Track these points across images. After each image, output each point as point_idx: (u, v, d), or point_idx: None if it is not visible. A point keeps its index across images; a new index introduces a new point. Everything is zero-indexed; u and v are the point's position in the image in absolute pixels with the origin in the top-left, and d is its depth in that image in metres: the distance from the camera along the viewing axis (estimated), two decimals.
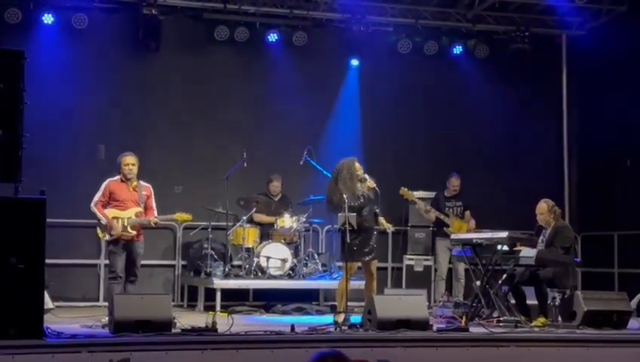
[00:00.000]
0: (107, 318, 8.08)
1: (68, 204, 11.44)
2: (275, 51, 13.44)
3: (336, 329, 8.50)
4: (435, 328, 8.43)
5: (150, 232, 10.25)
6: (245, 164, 11.90)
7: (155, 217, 9.58)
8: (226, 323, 7.93)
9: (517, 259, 9.64)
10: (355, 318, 8.92)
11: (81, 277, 12.53)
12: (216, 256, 11.90)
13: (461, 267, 12.13)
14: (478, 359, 7.81)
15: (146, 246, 9.83)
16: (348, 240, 9.20)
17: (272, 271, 11.54)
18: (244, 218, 11.84)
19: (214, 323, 7.79)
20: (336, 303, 10.23)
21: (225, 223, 11.82)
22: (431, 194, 12.79)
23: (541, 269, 9.70)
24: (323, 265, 12.20)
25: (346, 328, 8.51)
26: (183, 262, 12.90)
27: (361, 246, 9.49)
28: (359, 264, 9.61)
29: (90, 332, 8.03)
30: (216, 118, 13.27)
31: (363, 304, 9.47)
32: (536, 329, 9.03)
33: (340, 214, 9.38)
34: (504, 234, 9.76)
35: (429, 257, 12.88)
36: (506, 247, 9.74)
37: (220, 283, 11.34)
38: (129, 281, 9.42)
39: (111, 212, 9.44)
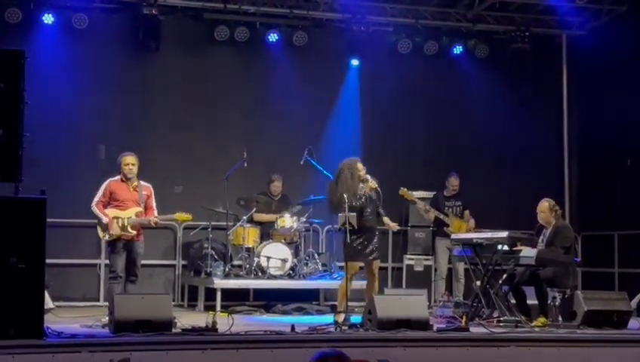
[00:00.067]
0: (107, 318, 8.08)
1: (68, 203, 11.45)
2: (276, 51, 13.44)
3: (336, 329, 8.50)
4: (435, 328, 8.42)
5: (150, 232, 10.25)
6: (245, 164, 11.90)
7: (156, 217, 9.58)
8: (227, 323, 7.93)
9: (517, 258, 9.64)
10: (356, 318, 8.92)
11: (82, 276, 12.53)
12: (216, 256, 11.90)
13: (461, 267, 12.14)
14: (479, 359, 7.80)
15: (147, 246, 9.84)
16: (348, 240, 9.21)
17: (273, 271, 11.54)
18: (245, 218, 11.84)
19: (214, 322, 7.79)
20: (336, 303, 10.24)
21: (225, 223, 11.82)
22: (430, 194, 12.79)
23: (541, 269, 9.70)
24: (323, 264, 12.20)
25: (346, 328, 8.51)
26: (184, 262, 12.90)
27: (363, 246, 9.51)
28: (361, 264, 9.62)
29: (91, 332, 8.03)
30: (216, 117, 13.27)
31: (363, 304, 9.47)
32: (536, 329, 9.03)
33: (340, 214, 9.38)
34: (504, 234, 9.77)
35: (429, 257, 12.88)
36: (506, 247, 9.74)
37: (220, 283, 11.34)
38: (129, 281, 9.42)
39: (111, 212, 9.45)
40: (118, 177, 9.60)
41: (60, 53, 12.41)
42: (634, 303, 10.07)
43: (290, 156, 12.24)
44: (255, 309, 11.66)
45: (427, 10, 13.68)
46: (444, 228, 12.23)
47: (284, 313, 11.37)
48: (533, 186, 13.00)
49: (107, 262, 10.20)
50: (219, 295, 11.23)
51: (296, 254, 11.91)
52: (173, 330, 7.73)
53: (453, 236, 11.04)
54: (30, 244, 7.09)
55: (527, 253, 9.64)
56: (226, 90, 13.27)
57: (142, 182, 9.67)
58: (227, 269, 11.64)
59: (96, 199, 9.52)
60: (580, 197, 14.44)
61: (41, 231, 7.16)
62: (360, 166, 9.64)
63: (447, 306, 10.59)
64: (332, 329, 8.45)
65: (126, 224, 9.39)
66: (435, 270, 12.63)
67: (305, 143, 11.81)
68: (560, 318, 9.52)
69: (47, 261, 7.24)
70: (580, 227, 13.54)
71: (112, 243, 9.44)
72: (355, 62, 13.63)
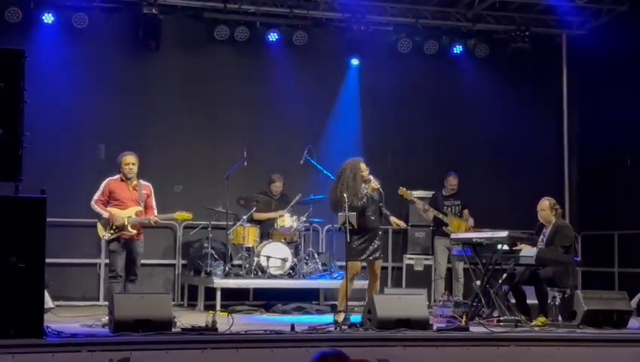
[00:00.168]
0: (107, 317, 8.08)
1: (68, 203, 11.44)
2: (276, 51, 13.44)
3: (336, 328, 8.50)
4: (435, 327, 8.43)
5: (150, 231, 10.26)
6: (245, 163, 11.91)
7: (155, 216, 9.59)
8: (226, 322, 7.93)
9: (517, 258, 9.65)
10: (355, 318, 8.92)
11: (81, 276, 12.53)
12: (216, 256, 11.90)
13: (460, 266, 12.15)
14: (479, 358, 7.80)
15: (146, 245, 9.84)
16: (348, 240, 9.23)
17: (272, 271, 11.54)
18: (245, 217, 11.84)
19: (214, 322, 7.79)
20: (336, 302, 10.24)
21: (225, 222, 11.82)
22: (429, 194, 12.79)
23: (541, 268, 9.70)
24: (323, 264, 12.20)
25: (346, 327, 8.51)
26: (183, 262, 12.90)
27: (366, 246, 9.53)
28: (363, 264, 9.64)
29: (91, 331, 8.03)
30: (216, 117, 13.27)
31: (363, 303, 9.47)
32: (536, 328, 9.03)
33: (340, 214, 9.39)
34: (504, 233, 9.76)
35: (429, 256, 12.87)
36: (506, 246, 9.74)
37: (220, 282, 11.34)
38: (129, 280, 9.42)
39: (111, 211, 9.44)
40: (117, 176, 9.60)
41: (60, 52, 12.41)
42: (634, 303, 10.07)
43: (290, 156, 12.25)
44: (255, 309, 11.67)
45: (427, 10, 13.68)
46: (443, 228, 12.24)
47: (284, 312, 11.38)
48: (533, 186, 12.99)
49: (107, 261, 10.20)
50: (219, 294, 11.23)
51: (296, 254, 11.91)
52: (173, 330, 7.73)
53: (452, 235, 11.05)
54: (30, 244, 7.09)
55: (527, 252, 9.64)
56: (226, 89, 13.27)
57: (142, 181, 9.67)
58: (227, 269, 11.63)
59: (95, 198, 9.53)
60: (580, 197, 14.44)
61: (41, 230, 7.16)
62: (363, 166, 9.65)
63: (447, 306, 10.59)
64: (332, 329, 8.45)
65: (126, 223, 9.39)
66: (435, 270, 12.63)
67: (305, 143, 11.82)
68: (560, 318, 9.52)
69: (47, 260, 7.25)
70: (580, 226, 13.54)
71: (112, 243, 9.44)
72: (355, 61, 13.62)
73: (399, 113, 13.82)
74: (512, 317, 9.27)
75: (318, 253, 12.37)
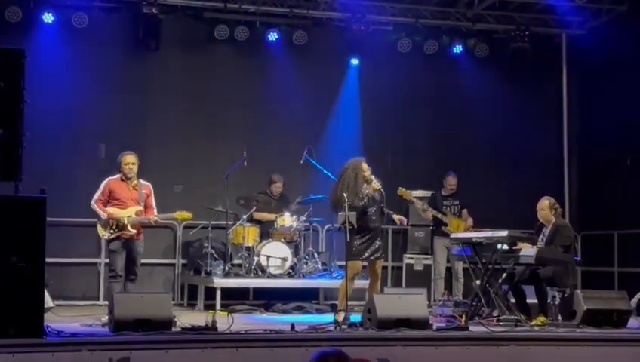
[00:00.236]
0: (107, 317, 8.08)
1: (68, 202, 11.44)
2: (275, 50, 13.44)
3: (336, 328, 8.50)
4: (435, 327, 8.42)
5: (150, 231, 10.26)
6: (245, 163, 11.91)
7: (155, 216, 9.59)
8: (226, 321, 7.93)
9: (517, 257, 9.64)
10: (355, 317, 8.92)
11: (81, 275, 12.53)
12: (216, 255, 11.90)
13: (460, 266, 12.16)
14: (478, 358, 7.80)
15: (146, 244, 9.84)
16: (348, 239, 9.23)
17: (272, 270, 11.54)
18: (244, 217, 11.85)
19: (214, 321, 7.79)
20: (336, 302, 10.24)
21: (225, 222, 11.82)
22: (429, 193, 12.79)
23: (541, 268, 9.70)
24: (323, 264, 12.20)
25: (346, 327, 8.51)
26: (183, 261, 12.90)
27: (367, 245, 9.53)
28: (364, 263, 9.64)
29: (90, 330, 8.03)
30: (216, 117, 13.28)
31: (363, 303, 9.47)
32: (536, 328, 9.03)
33: (340, 213, 9.41)
34: (504, 233, 9.76)
35: (429, 256, 12.87)
36: (506, 246, 9.74)
37: (220, 282, 11.34)
38: (129, 280, 9.42)
39: (111, 210, 9.44)
40: (117, 176, 9.60)
41: (60, 52, 12.42)
42: (633, 302, 10.08)
43: (290, 155, 12.25)
44: (255, 308, 11.67)
45: (427, 10, 13.68)
46: (442, 228, 12.25)
47: (284, 312, 11.38)
48: (533, 186, 12.98)
49: (107, 261, 10.20)
50: (219, 294, 11.23)
51: (296, 253, 11.92)
52: (173, 329, 7.73)
53: (452, 235, 11.05)
54: (30, 243, 7.09)
55: (527, 252, 9.64)
56: (226, 89, 13.27)
57: (142, 181, 9.67)
58: (227, 268, 11.64)
59: (95, 197, 9.53)
60: (580, 197, 14.45)
61: (41, 230, 7.15)
62: (365, 166, 9.66)
63: (447, 305, 10.59)
64: (332, 329, 8.45)
65: (126, 223, 9.39)
66: (434, 269, 12.63)
67: (305, 142, 11.81)
68: (559, 317, 9.52)
69: (47, 260, 7.24)
70: (579, 226, 13.55)
71: (112, 242, 9.44)
72: (355, 61, 13.63)
73: (399, 113, 13.83)
74: (512, 317, 9.27)
75: (318, 253, 12.38)
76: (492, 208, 13.04)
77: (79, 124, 12.55)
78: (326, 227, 12.91)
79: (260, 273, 11.58)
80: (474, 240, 10.06)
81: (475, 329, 8.57)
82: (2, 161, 7.24)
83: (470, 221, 12.33)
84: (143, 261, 9.89)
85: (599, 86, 13.91)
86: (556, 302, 9.64)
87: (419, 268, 12.99)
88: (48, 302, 8.55)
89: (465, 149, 14.02)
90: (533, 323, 9.25)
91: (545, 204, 10.05)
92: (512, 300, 9.80)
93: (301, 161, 11.63)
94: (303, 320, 9.58)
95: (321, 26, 13.59)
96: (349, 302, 9.36)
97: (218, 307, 10.71)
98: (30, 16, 12.24)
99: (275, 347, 7.38)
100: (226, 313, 8.67)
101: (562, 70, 14.57)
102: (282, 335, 7.79)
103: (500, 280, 9.71)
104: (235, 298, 11.90)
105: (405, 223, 10.66)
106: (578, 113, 14.58)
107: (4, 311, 6.91)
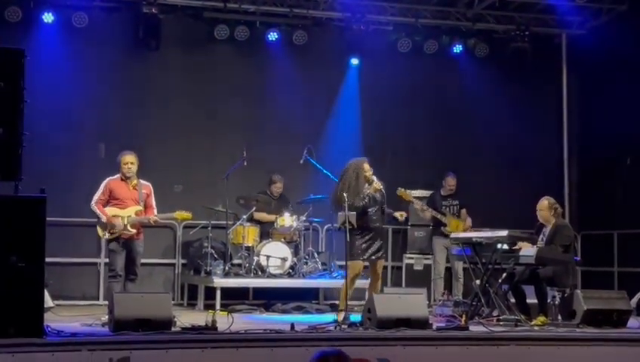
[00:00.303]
0: (107, 317, 8.07)
1: (68, 202, 11.45)
2: (275, 50, 13.44)
3: (336, 327, 8.50)
4: (434, 327, 8.42)
5: (150, 231, 10.25)
6: (245, 163, 11.91)
7: (155, 215, 9.58)
8: (226, 321, 7.93)
9: (517, 257, 9.64)
10: (355, 317, 8.92)
11: (81, 275, 12.53)
12: (216, 255, 11.90)
13: (460, 266, 12.16)
14: (478, 358, 7.80)
15: (146, 244, 9.84)
16: (348, 239, 9.23)
17: (272, 270, 11.54)
18: (244, 216, 11.84)
19: (214, 321, 7.79)
20: (336, 302, 10.24)
21: (225, 222, 11.82)
22: (429, 193, 12.78)
23: (541, 268, 9.70)
24: (323, 263, 12.20)
25: (346, 327, 8.51)
26: (183, 261, 12.90)
27: (368, 245, 9.54)
28: (366, 263, 9.65)
29: (90, 330, 8.03)
30: (216, 116, 13.27)
31: (363, 303, 9.47)
32: (536, 328, 9.03)
33: (339, 213, 9.41)
34: (504, 232, 9.76)
35: (429, 256, 12.86)
36: (505, 246, 9.74)
37: (219, 281, 11.34)
38: (129, 280, 9.42)
39: (111, 210, 9.45)
40: (117, 176, 9.60)
41: (60, 51, 12.41)
42: (633, 302, 10.08)
43: (289, 155, 12.25)
44: (255, 308, 11.66)
45: (427, 9, 13.69)
46: (441, 228, 12.25)
47: (284, 312, 11.38)
48: (533, 186, 12.98)
49: (107, 260, 10.19)
50: (218, 294, 11.23)
51: (295, 253, 11.91)
52: (173, 329, 7.73)
53: (452, 235, 11.05)
54: (30, 243, 7.09)
55: (527, 251, 9.63)
56: (226, 89, 13.27)
57: (141, 181, 9.66)
58: (227, 268, 11.64)
59: (95, 198, 9.52)
60: (580, 197, 14.45)
61: (41, 229, 7.15)
62: (366, 166, 9.67)
63: (447, 305, 10.58)
64: (332, 328, 8.45)
65: (125, 222, 9.39)
66: (434, 269, 12.63)
67: (305, 142, 11.82)
68: (559, 317, 9.53)
69: (47, 260, 7.24)
70: (579, 226, 13.55)
71: (112, 242, 9.44)
72: (354, 61, 13.63)
73: (399, 113, 13.82)
74: (512, 317, 9.27)
75: (318, 253, 12.38)
76: (492, 208, 13.04)
77: (79, 124, 12.55)
78: (326, 227, 12.91)
79: (259, 273, 11.58)
80: (474, 240, 10.06)
81: (475, 329, 8.56)
82: (2, 160, 7.23)
83: (469, 221, 12.34)
84: (143, 261, 9.89)
85: (599, 86, 13.91)
86: (556, 302, 9.64)
87: (419, 267, 12.99)
88: (48, 301, 8.55)
89: (465, 149, 14.02)
90: (533, 323, 9.24)
91: (544, 204, 10.05)
92: (512, 300, 9.80)
93: (301, 161, 11.64)
94: (302, 320, 9.58)
95: (321, 26, 13.59)
96: (349, 302, 9.35)
97: (218, 307, 10.70)
98: (30, 16, 12.24)
99: (275, 347, 7.37)
100: (226, 313, 8.67)
101: (562, 70, 14.57)
102: (282, 335, 7.79)
103: (499, 280, 9.71)
104: (234, 298, 11.90)
105: (405, 216, 10.65)
106: (578, 113, 14.58)
107: (4, 310, 6.90)
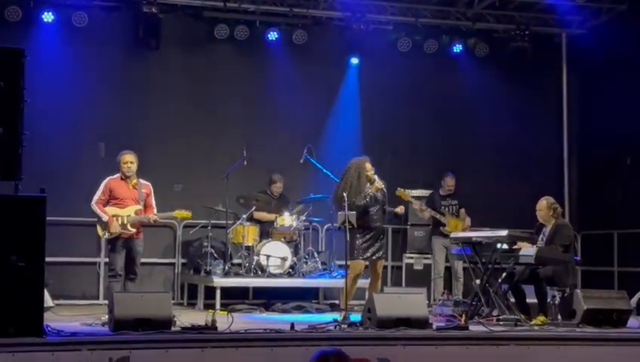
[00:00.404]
0: (107, 316, 8.07)
1: (68, 202, 11.44)
2: (275, 50, 13.44)
3: (336, 327, 8.50)
4: (434, 326, 8.42)
5: (150, 230, 10.25)
6: (245, 163, 11.91)
7: (155, 215, 9.59)
8: (226, 321, 7.93)
9: (517, 257, 9.64)
10: (355, 317, 8.92)
11: (81, 275, 12.53)
12: (216, 255, 11.90)
13: (460, 266, 12.16)
14: (478, 357, 7.80)
15: (146, 244, 9.84)
16: (347, 239, 9.24)
17: (272, 270, 11.54)
18: (244, 216, 11.85)
19: (214, 321, 7.79)
20: (336, 301, 10.24)
21: (225, 221, 11.82)
22: (428, 193, 12.79)
23: (541, 268, 9.70)
24: (323, 263, 12.20)
25: (346, 326, 8.51)
26: (183, 260, 12.90)
27: (369, 245, 9.56)
28: (366, 263, 9.65)
29: (90, 330, 8.03)
30: (216, 116, 13.28)
31: (363, 302, 9.47)
32: (535, 327, 9.03)
33: (340, 213, 9.41)
34: (504, 232, 9.76)
35: (429, 256, 12.86)
36: (505, 246, 9.74)
37: (219, 281, 11.34)
38: (129, 279, 9.42)
39: (111, 210, 9.45)
40: (117, 175, 9.61)
41: (60, 51, 12.42)
42: (633, 302, 10.08)
43: (289, 155, 12.25)
44: (255, 308, 11.66)
45: (427, 9, 13.69)
46: (441, 228, 12.25)
47: (284, 311, 11.38)
48: (533, 186, 12.99)
49: (107, 260, 10.20)
50: (218, 293, 11.23)
51: (295, 253, 11.91)
52: (173, 329, 7.72)
53: (452, 235, 11.04)
54: (30, 243, 7.08)
55: (527, 251, 9.63)
56: (226, 88, 13.27)
57: (141, 180, 9.67)
58: (227, 268, 11.64)
59: (95, 197, 9.53)
60: (580, 196, 14.45)
61: (41, 229, 7.15)
62: (368, 166, 9.67)
63: (447, 305, 10.58)
64: (331, 328, 8.45)
65: (125, 222, 9.39)
66: (434, 269, 12.63)
67: (305, 142, 11.82)
68: (559, 317, 9.53)
69: (47, 259, 7.23)
70: (579, 226, 13.56)
71: (112, 242, 9.44)
72: (354, 60, 13.63)
73: (399, 112, 13.82)
74: (512, 316, 9.26)
75: (318, 252, 12.38)
76: (492, 208, 13.05)
77: (79, 122, 12.55)
78: (326, 226, 12.91)
79: (259, 272, 11.58)
80: (474, 239, 10.06)
81: (475, 328, 8.56)
82: (2, 160, 7.23)
83: (468, 221, 12.34)
84: (143, 260, 9.89)
85: (599, 86, 13.90)
86: (556, 302, 9.64)
87: (419, 267, 12.99)
88: (48, 301, 8.55)
89: (465, 149, 14.02)
90: (533, 322, 9.24)
91: (543, 204, 10.05)
92: (512, 300, 9.80)
93: (301, 161, 11.63)
94: (302, 319, 9.58)
95: (320, 26, 13.59)
96: (349, 302, 9.35)
97: (218, 306, 10.70)
98: (30, 16, 12.24)
99: (275, 346, 7.37)
100: (226, 312, 8.67)
101: (562, 69, 14.57)
102: (282, 334, 7.79)
103: (499, 280, 9.70)
104: (234, 297, 11.90)
105: (404, 209, 10.66)
106: (578, 113, 14.58)
107: (4, 310, 6.90)
